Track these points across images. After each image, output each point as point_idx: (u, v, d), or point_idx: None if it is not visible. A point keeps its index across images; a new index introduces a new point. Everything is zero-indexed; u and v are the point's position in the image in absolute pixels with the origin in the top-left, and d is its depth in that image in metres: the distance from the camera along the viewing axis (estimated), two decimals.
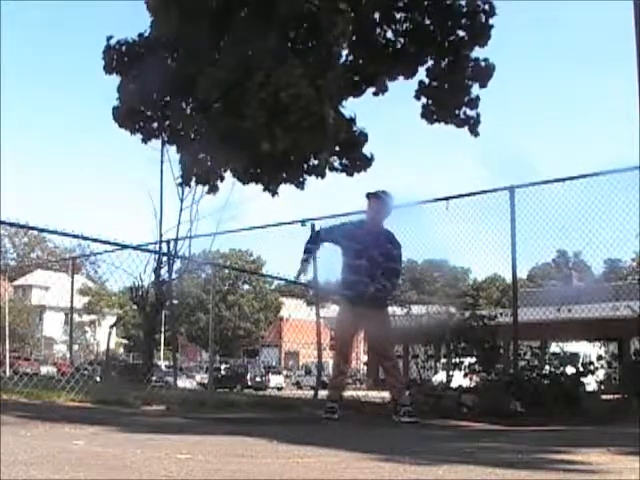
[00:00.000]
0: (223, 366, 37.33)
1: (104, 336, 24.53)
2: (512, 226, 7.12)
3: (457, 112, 10.98)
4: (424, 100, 11.09)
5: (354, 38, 10.41)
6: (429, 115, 11.13)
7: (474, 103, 10.96)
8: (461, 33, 10.62)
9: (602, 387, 6.58)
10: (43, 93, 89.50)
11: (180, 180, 11.94)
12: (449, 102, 10.92)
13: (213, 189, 11.49)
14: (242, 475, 2.55)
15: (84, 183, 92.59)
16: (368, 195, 5.87)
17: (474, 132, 11.00)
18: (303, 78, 8.81)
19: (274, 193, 10.88)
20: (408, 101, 11.27)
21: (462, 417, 5.90)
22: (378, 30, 10.87)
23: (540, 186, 7.23)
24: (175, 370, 12.73)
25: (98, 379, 10.04)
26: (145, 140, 11.22)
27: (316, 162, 10.56)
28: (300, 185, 10.83)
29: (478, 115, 10.98)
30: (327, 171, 10.76)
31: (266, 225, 9.82)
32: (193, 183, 12.02)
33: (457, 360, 7.16)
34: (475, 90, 10.92)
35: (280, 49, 9.07)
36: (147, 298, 11.70)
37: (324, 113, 9.12)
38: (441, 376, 7.46)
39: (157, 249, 11.52)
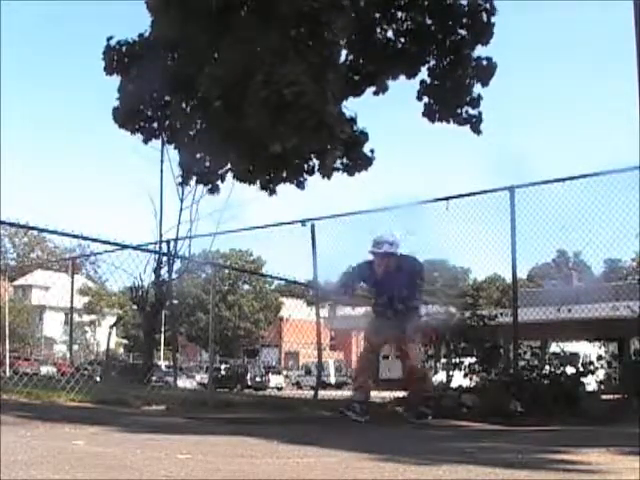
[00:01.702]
0: (223, 366, 37.29)
1: (104, 336, 24.52)
2: (512, 226, 7.12)
3: (459, 111, 10.98)
4: (426, 99, 11.10)
5: (354, 37, 10.41)
6: (431, 114, 11.14)
7: (476, 102, 10.96)
8: (462, 32, 10.61)
9: (602, 387, 6.58)
10: (43, 93, 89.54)
11: (180, 180, 11.95)
12: (451, 101, 10.92)
13: (214, 189, 11.49)
14: (242, 475, 2.55)
15: (84, 183, 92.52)
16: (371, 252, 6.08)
17: (476, 131, 11.00)
18: (306, 75, 8.80)
19: (272, 192, 10.86)
20: (409, 100, 11.28)
21: (462, 417, 5.90)
22: (378, 29, 10.86)
23: (540, 186, 7.23)
24: (175, 370, 12.73)
25: (98, 379, 10.04)
26: (145, 140, 11.22)
27: (317, 162, 10.55)
28: (300, 185, 10.82)
29: (480, 114, 10.98)
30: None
31: (266, 225, 9.82)
32: (193, 183, 12.04)
33: (457, 360, 7.16)
34: (477, 89, 10.93)
35: (281, 48, 9.06)
36: (147, 298, 11.71)
37: (328, 112, 9.10)
38: (441, 376, 7.46)
39: (157, 249, 11.54)
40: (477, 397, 6.43)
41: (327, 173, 10.55)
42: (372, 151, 10.97)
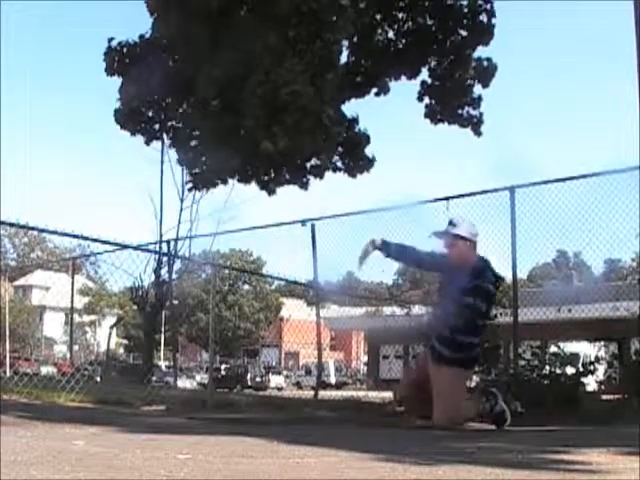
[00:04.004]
0: (223, 366, 37.29)
1: (104, 336, 24.54)
2: (512, 226, 7.10)
3: (460, 112, 11.01)
4: (427, 100, 11.13)
5: (355, 39, 10.42)
6: (432, 115, 11.17)
7: (477, 103, 10.99)
8: (463, 33, 10.64)
9: (602, 387, 6.58)
10: (44, 94, 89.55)
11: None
12: (452, 101, 10.96)
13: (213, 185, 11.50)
14: (242, 475, 2.55)
15: (84, 183, 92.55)
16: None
17: (477, 132, 11.03)
18: (303, 76, 8.80)
19: (271, 192, 10.85)
20: (411, 101, 11.30)
21: None
22: (379, 30, 10.88)
23: (540, 186, 7.22)
24: (175, 370, 12.74)
25: (98, 379, 10.05)
26: (147, 142, 11.24)
27: (318, 162, 10.56)
28: (303, 186, 10.83)
29: (481, 115, 11.02)
30: (329, 171, 10.77)
31: (266, 225, 9.81)
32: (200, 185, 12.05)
33: None
34: (478, 90, 10.97)
35: (279, 48, 9.06)
36: (147, 298, 11.74)
37: (323, 113, 9.11)
38: None
39: (157, 249, 11.55)
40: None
41: (320, 173, 10.57)
42: (373, 156, 11.01)
